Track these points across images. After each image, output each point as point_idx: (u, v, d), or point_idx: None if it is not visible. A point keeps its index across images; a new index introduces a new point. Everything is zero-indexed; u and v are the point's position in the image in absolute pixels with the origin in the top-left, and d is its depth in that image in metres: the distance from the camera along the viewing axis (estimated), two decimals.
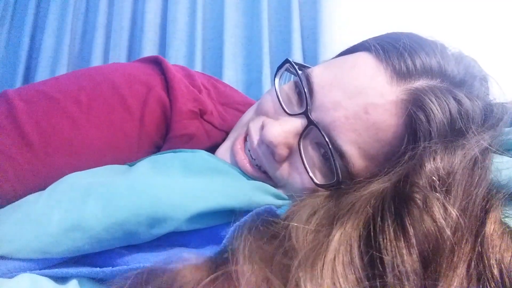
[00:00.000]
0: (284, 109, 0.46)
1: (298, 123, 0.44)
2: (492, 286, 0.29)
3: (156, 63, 0.54)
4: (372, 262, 0.31)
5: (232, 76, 1.29)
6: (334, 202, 0.39)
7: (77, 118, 0.44)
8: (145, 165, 0.43)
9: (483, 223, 0.32)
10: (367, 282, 0.30)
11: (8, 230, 0.36)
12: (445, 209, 0.32)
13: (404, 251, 0.30)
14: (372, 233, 0.33)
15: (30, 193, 0.41)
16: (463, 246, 0.31)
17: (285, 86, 0.50)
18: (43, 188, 0.41)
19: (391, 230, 0.32)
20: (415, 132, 0.39)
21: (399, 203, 0.33)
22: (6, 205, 0.41)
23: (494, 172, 0.37)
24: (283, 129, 0.44)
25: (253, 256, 0.32)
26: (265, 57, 1.24)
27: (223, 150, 0.52)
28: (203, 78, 0.61)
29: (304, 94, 0.44)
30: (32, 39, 1.61)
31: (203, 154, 0.47)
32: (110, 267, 0.35)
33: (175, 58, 1.34)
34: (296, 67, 0.47)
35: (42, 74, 1.48)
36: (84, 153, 0.45)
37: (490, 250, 0.31)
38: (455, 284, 0.29)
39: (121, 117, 0.47)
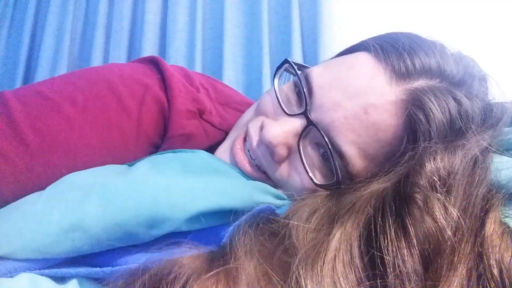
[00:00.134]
0: (283, 109, 0.46)
1: (297, 123, 0.44)
2: (492, 286, 0.29)
3: (154, 63, 0.54)
4: (373, 262, 0.31)
5: (232, 76, 1.29)
6: (334, 201, 0.39)
7: (73, 119, 0.44)
8: (145, 165, 0.43)
9: (483, 223, 0.32)
10: (367, 282, 0.30)
11: (7, 230, 0.36)
12: (446, 209, 0.32)
13: (405, 252, 0.30)
14: (372, 233, 0.33)
15: (29, 194, 0.41)
16: (463, 246, 0.31)
17: (284, 86, 0.50)
18: (41, 188, 0.41)
19: (392, 230, 0.32)
20: (414, 132, 0.39)
21: (399, 203, 0.33)
22: (4, 206, 0.41)
23: (493, 172, 0.37)
24: (283, 129, 0.44)
25: (254, 252, 0.32)
26: (265, 57, 1.24)
27: (223, 150, 0.52)
28: (201, 78, 0.61)
29: (303, 94, 0.44)
30: (32, 39, 1.61)
31: (202, 154, 0.47)
32: (110, 267, 0.35)
33: (175, 58, 1.34)
34: (295, 67, 0.47)
35: (42, 74, 1.49)
36: (81, 153, 0.44)
37: (490, 250, 0.31)
38: (455, 284, 0.29)
39: (118, 117, 0.47)
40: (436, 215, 0.31)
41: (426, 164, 0.35)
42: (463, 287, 0.29)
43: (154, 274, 0.31)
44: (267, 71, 1.23)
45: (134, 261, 0.36)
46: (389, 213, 0.33)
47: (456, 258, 0.30)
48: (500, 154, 0.39)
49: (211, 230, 0.40)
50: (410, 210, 0.32)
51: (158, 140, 0.51)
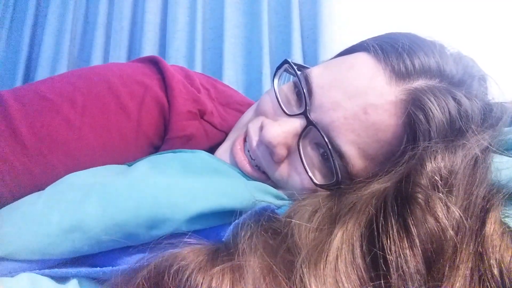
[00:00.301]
0: (283, 109, 0.46)
1: (297, 124, 0.44)
2: (492, 286, 0.29)
3: (154, 63, 0.53)
4: (375, 262, 0.31)
5: (232, 76, 1.29)
6: (335, 201, 0.39)
7: (72, 119, 0.44)
8: (145, 165, 0.43)
9: (483, 223, 0.32)
10: (370, 282, 0.30)
11: (7, 231, 0.36)
12: (448, 209, 0.32)
13: (408, 252, 0.30)
14: (374, 233, 0.33)
15: (28, 194, 0.41)
16: (465, 246, 0.31)
17: (284, 86, 0.50)
18: (41, 188, 0.41)
19: (394, 230, 0.31)
20: (414, 132, 0.39)
21: (401, 203, 0.33)
22: (4, 206, 0.41)
23: (494, 172, 0.37)
24: (282, 129, 0.44)
25: (258, 248, 0.32)
26: (265, 57, 1.24)
27: (223, 150, 0.52)
28: (202, 78, 0.61)
29: (303, 94, 0.44)
30: (32, 39, 1.60)
31: (202, 154, 0.47)
32: (110, 267, 0.35)
33: (175, 58, 1.34)
34: (295, 67, 0.47)
35: (42, 74, 1.48)
36: (80, 154, 0.44)
37: (490, 250, 0.30)
38: (458, 285, 0.29)
39: (117, 117, 0.46)
40: (438, 215, 0.31)
41: (427, 164, 0.35)
42: (465, 287, 0.29)
43: (157, 267, 0.30)
44: (267, 71, 1.23)
45: (134, 261, 0.36)
46: (391, 213, 0.33)
47: (458, 258, 0.30)
48: (500, 154, 0.39)
49: (211, 230, 0.39)
50: (412, 210, 0.32)
51: (158, 141, 0.51)
